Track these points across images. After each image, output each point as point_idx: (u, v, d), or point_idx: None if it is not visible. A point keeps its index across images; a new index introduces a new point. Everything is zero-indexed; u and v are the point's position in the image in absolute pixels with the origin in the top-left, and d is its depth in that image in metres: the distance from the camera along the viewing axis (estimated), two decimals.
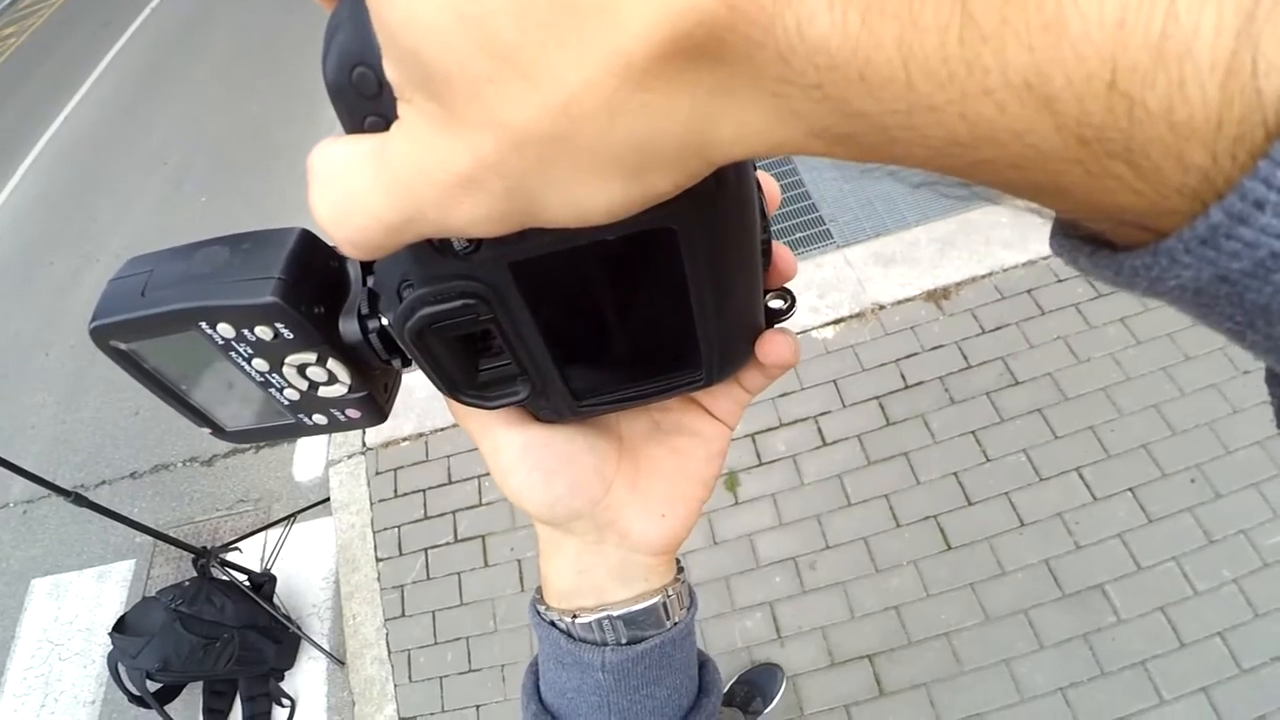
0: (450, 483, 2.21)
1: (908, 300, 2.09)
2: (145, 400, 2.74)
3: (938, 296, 2.07)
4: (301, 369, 0.26)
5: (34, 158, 4.60)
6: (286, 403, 0.28)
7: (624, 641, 0.32)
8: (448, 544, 2.12)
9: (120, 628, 1.80)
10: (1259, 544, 1.55)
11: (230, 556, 2.04)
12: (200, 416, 0.29)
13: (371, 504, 2.25)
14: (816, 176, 2.43)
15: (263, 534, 2.17)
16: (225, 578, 1.99)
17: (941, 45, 0.10)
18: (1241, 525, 1.58)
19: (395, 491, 2.25)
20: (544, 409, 0.28)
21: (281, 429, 0.30)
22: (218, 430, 0.30)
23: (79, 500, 1.74)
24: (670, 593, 0.32)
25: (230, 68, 4.61)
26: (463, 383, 0.25)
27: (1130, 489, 1.67)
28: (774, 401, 2.06)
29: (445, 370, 0.24)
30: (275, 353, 0.25)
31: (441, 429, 2.31)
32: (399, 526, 2.18)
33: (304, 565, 2.25)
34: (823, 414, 2.00)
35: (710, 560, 1.88)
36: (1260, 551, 1.55)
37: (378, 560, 2.16)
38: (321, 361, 0.26)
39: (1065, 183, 0.11)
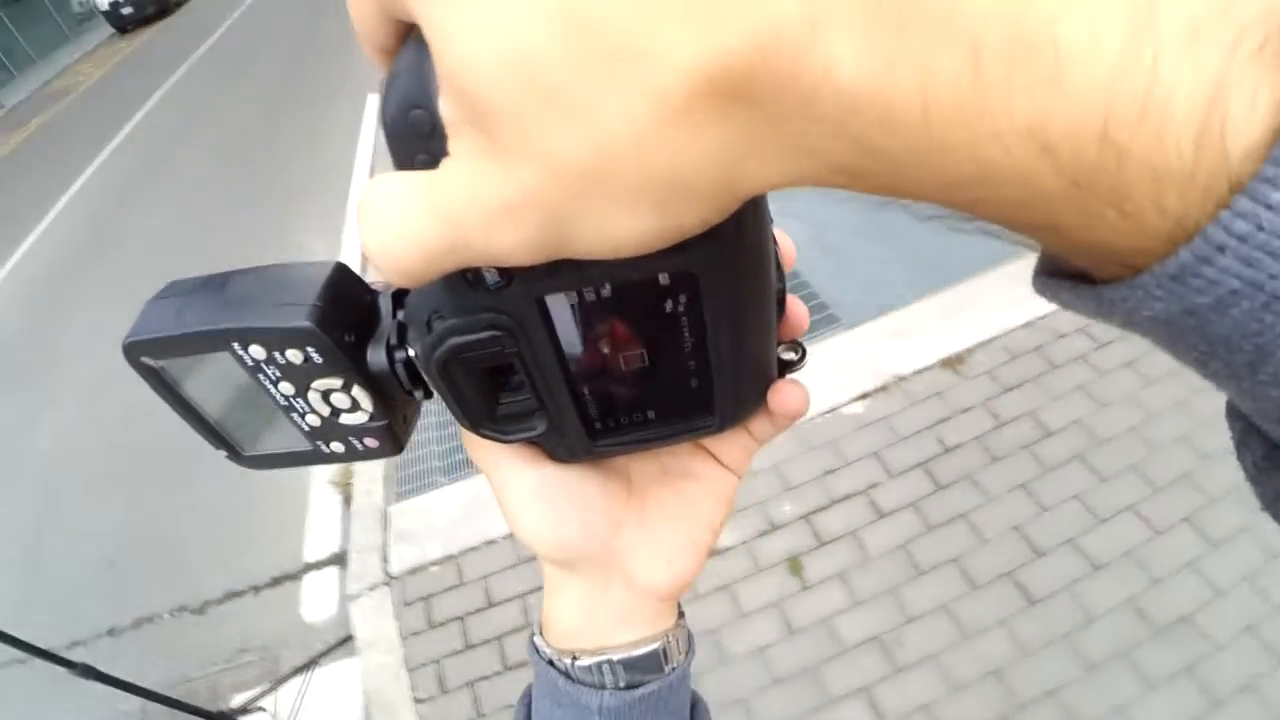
0: (491, 606, 2.05)
1: (925, 369, 2.21)
2: (119, 549, 2.45)
3: (953, 363, 2.21)
4: (326, 394, 0.27)
5: None
6: (307, 429, 0.29)
7: (622, 685, 0.32)
8: (497, 674, 1.92)
9: None
10: None
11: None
12: (219, 439, 0.30)
13: (402, 639, 2.04)
14: (811, 265, 2.61)
15: (278, 685, 1.91)
16: None
17: (955, 92, 0.11)
18: None
19: (429, 622, 2.05)
20: (558, 447, 0.29)
21: (299, 455, 0.31)
22: (235, 454, 0.31)
23: (88, 673, 1.50)
24: (671, 638, 0.33)
25: (194, 208, 4.60)
26: (482, 415, 0.26)
27: (1186, 518, 1.74)
28: (820, 480, 2.07)
29: (466, 401, 0.25)
30: (303, 377, 0.27)
31: (472, 548, 2.17)
32: (438, 661, 1.98)
33: (326, 717, 1.98)
34: (872, 486, 2.02)
35: (792, 651, 1.79)
36: None
37: (416, 702, 1.92)
38: (346, 388, 0.27)
39: (1061, 222, 0.12)
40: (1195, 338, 0.12)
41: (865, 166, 0.13)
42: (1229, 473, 1.76)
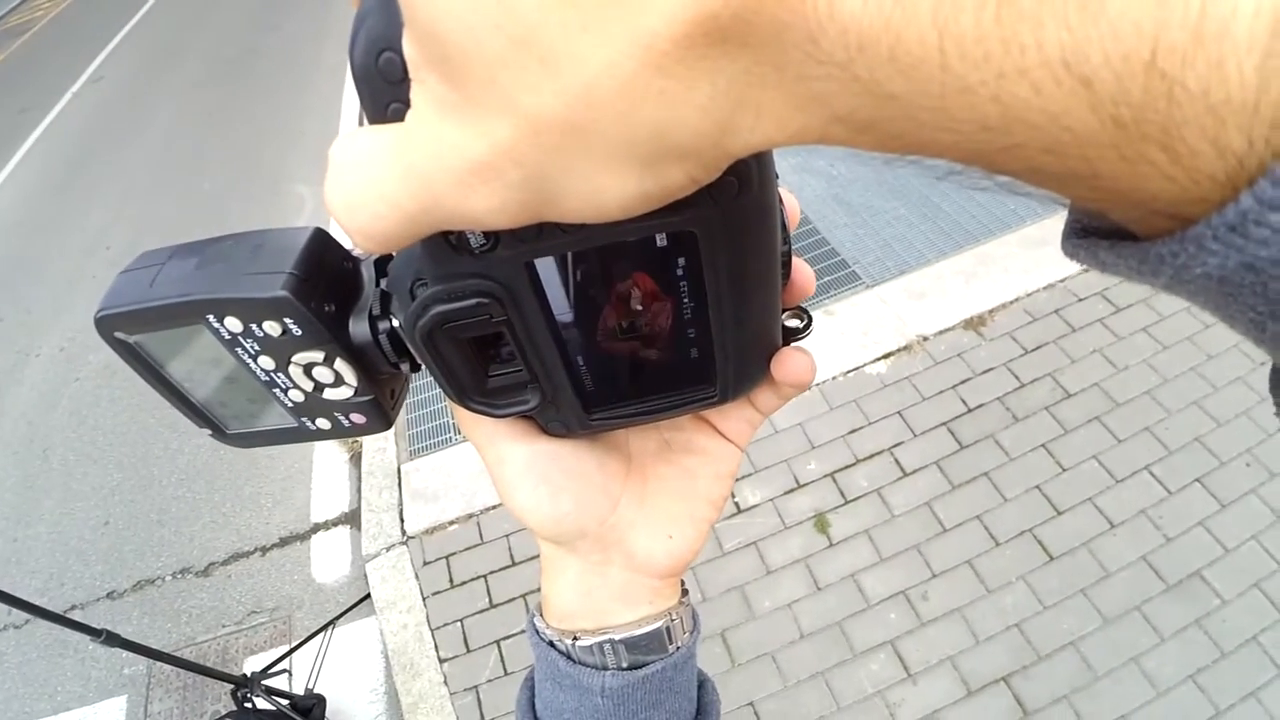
0: (514, 564, 2.03)
1: (948, 330, 2.22)
2: (115, 508, 2.33)
3: (975, 324, 2.22)
4: (308, 369, 0.26)
5: None
6: (290, 404, 0.28)
7: (625, 666, 0.31)
8: (523, 632, 1.92)
9: None
10: None
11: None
12: (201, 416, 0.29)
13: (424, 598, 2.01)
14: (829, 224, 2.56)
15: (297, 648, 1.87)
16: (271, 707, 1.69)
17: (978, 23, 0.10)
18: None
19: (451, 581, 2.02)
20: (553, 421, 0.28)
21: (283, 433, 0.30)
22: (218, 432, 0.30)
23: (112, 640, 1.43)
24: (674, 616, 0.32)
25: (174, 146, 4.27)
26: (471, 388, 0.25)
27: (1198, 479, 1.82)
28: (845, 439, 2.08)
29: (454, 374, 0.24)
30: (282, 350, 0.25)
31: (493, 507, 2.13)
32: (461, 620, 1.96)
33: (344, 679, 1.95)
34: (896, 445, 2.05)
35: (818, 607, 1.83)
36: None
37: (441, 661, 1.91)
38: (329, 361, 0.26)
39: (1098, 169, 0.11)
40: (1253, 297, 0.11)
41: (873, 115, 0.12)
42: (1240, 436, 1.84)
